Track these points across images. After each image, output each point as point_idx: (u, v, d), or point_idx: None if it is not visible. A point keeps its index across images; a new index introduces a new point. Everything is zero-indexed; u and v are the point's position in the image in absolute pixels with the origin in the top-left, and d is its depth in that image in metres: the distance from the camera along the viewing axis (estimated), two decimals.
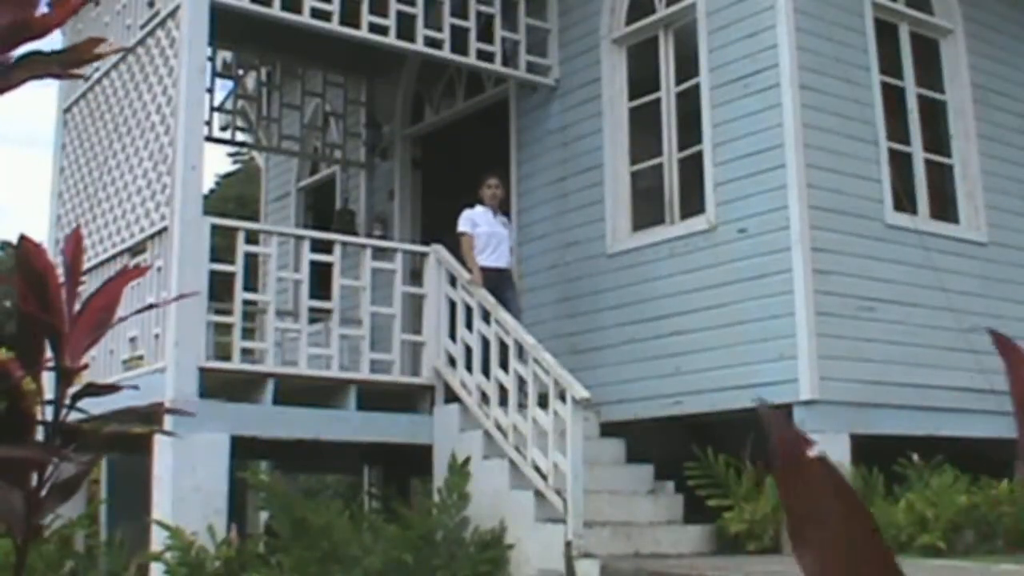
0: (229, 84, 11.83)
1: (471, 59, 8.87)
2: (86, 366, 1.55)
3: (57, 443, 1.48)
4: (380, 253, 8.24)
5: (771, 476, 6.94)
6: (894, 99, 8.16)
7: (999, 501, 6.78)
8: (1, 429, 1.44)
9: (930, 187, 8.30)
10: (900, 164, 8.07)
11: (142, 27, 8.13)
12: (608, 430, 7.99)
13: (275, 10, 7.87)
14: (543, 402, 6.89)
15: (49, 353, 1.51)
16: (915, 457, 7.10)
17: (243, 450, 7.18)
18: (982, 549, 6.61)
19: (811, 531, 0.80)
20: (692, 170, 8.09)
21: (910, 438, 7.24)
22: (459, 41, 8.74)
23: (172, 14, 7.62)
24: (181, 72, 7.36)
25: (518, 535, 6.72)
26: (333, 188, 12.05)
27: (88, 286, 1.87)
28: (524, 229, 9.16)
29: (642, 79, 8.64)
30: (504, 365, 7.30)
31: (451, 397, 7.74)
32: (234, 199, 25.93)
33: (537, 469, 6.81)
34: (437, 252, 8.07)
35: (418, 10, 8.50)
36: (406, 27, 8.48)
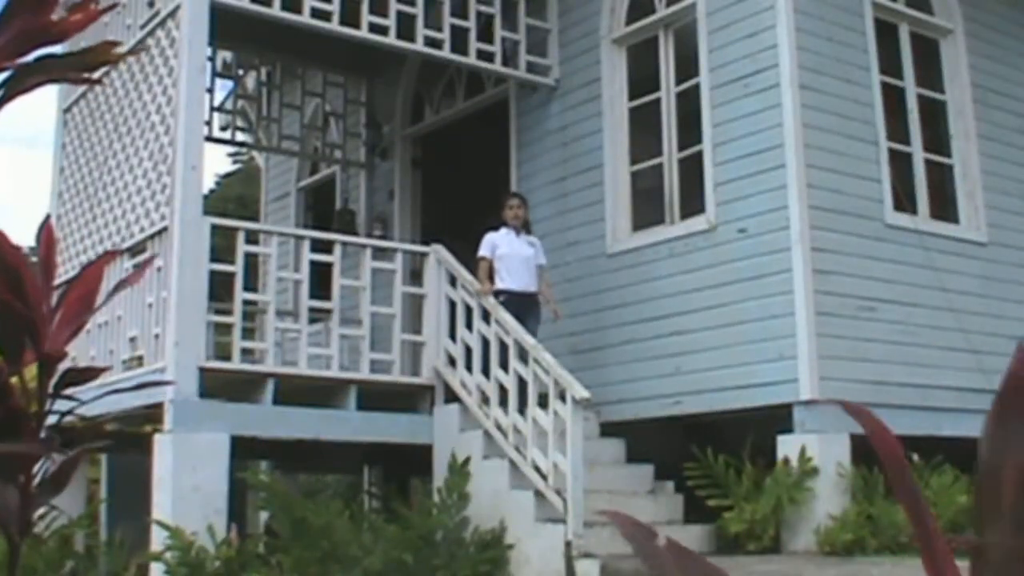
0: (229, 84, 11.85)
1: (471, 59, 8.87)
2: (65, 354, 1.55)
3: (44, 436, 1.48)
4: (380, 253, 8.24)
5: (770, 478, 6.96)
6: (894, 99, 8.16)
7: None
8: None
9: (930, 187, 8.30)
10: (900, 164, 8.06)
11: (142, 27, 8.13)
12: (608, 430, 7.99)
13: (275, 10, 7.86)
14: (543, 402, 6.89)
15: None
16: (915, 457, 7.10)
17: (243, 450, 7.18)
18: None
19: None
20: (692, 170, 8.09)
21: (910, 438, 7.23)
22: (459, 41, 8.74)
23: (172, 14, 7.62)
24: (181, 72, 7.36)
25: (518, 535, 6.72)
26: (333, 188, 12.05)
27: (98, 297, 1.87)
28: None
29: (642, 79, 8.64)
30: (504, 365, 7.30)
31: (451, 397, 7.74)
32: (234, 199, 25.94)
33: (537, 469, 6.81)
34: (437, 252, 8.06)
35: (418, 10, 8.50)
36: (406, 27, 8.48)
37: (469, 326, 7.70)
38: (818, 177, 7.42)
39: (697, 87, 8.08)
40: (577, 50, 9.11)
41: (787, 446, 7.07)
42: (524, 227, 8.21)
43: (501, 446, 7.14)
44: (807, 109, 7.45)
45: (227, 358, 7.57)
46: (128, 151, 8.10)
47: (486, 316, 7.56)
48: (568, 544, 6.32)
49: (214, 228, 7.32)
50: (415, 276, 8.52)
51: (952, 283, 7.94)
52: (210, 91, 10.34)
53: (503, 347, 7.33)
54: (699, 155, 8.00)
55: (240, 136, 12.33)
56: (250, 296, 7.79)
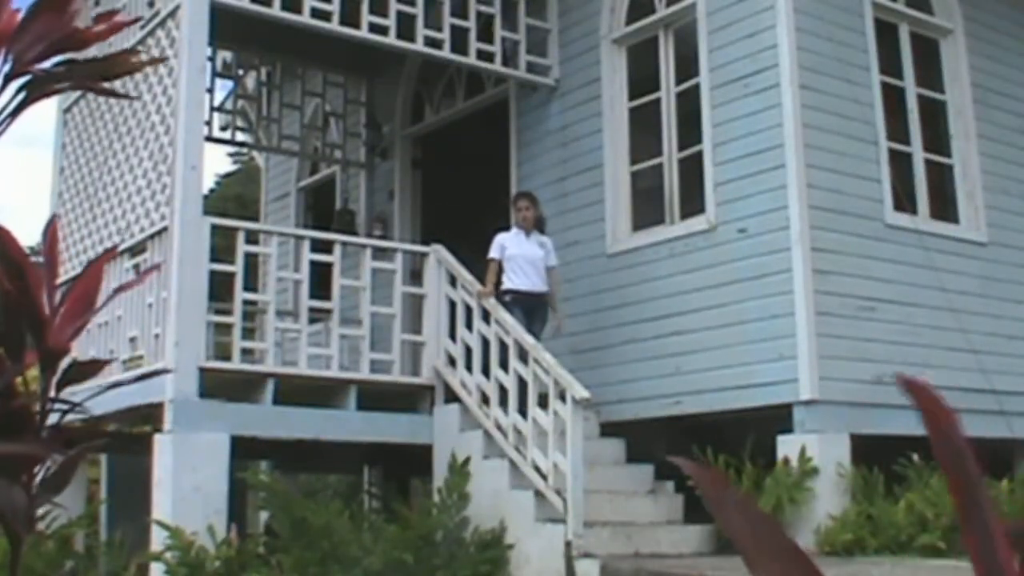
0: (229, 84, 11.85)
1: (471, 59, 8.87)
2: (69, 350, 1.55)
3: (46, 436, 1.48)
4: (380, 253, 8.24)
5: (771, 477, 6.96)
6: (894, 99, 8.16)
7: (999, 501, 6.78)
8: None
9: (930, 187, 8.30)
10: (900, 164, 8.06)
11: (142, 27, 8.13)
12: (608, 430, 7.99)
13: (275, 10, 7.86)
14: (543, 402, 6.89)
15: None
16: (915, 457, 7.10)
17: (243, 450, 7.18)
18: None
19: None
20: (692, 170, 8.09)
21: (910, 438, 7.23)
22: (459, 41, 8.74)
23: (172, 14, 7.61)
24: (181, 72, 7.36)
25: (518, 535, 6.72)
26: (333, 188, 12.05)
27: (100, 294, 1.88)
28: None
29: (642, 79, 8.64)
30: (504, 365, 7.30)
31: (451, 397, 7.74)
32: (234, 199, 25.95)
33: (537, 469, 6.81)
34: (437, 252, 8.06)
35: (418, 10, 8.50)
36: (406, 27, 8.48)
37: (469, 326, 7.70)
38: (818, 177, 7.42)
39: (697, 87, 8.08)
40: (577, 50, 9.11)
41: (787, 446, 7.07)
42: (537, 226, 8.16)
43: (501, 446, 7.14)
44: (807, 109, 7.45)
45: (227, 358, 7.56)
46: (128, 151, 8.10)
47: (486, 316, 7.56)
48: (568, 544, 6.32)
49: (214, 228, 7.32)
50: (415, 276, 8.52)
51: (952, 283, 7.94)
52: (210, 91, 10.34)
53: (503, 347, 7.33)
54: (699, 155, 8.00)
55: (240, 136, 12.33)
56: (250, 296, 7.78)
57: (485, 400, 7.43)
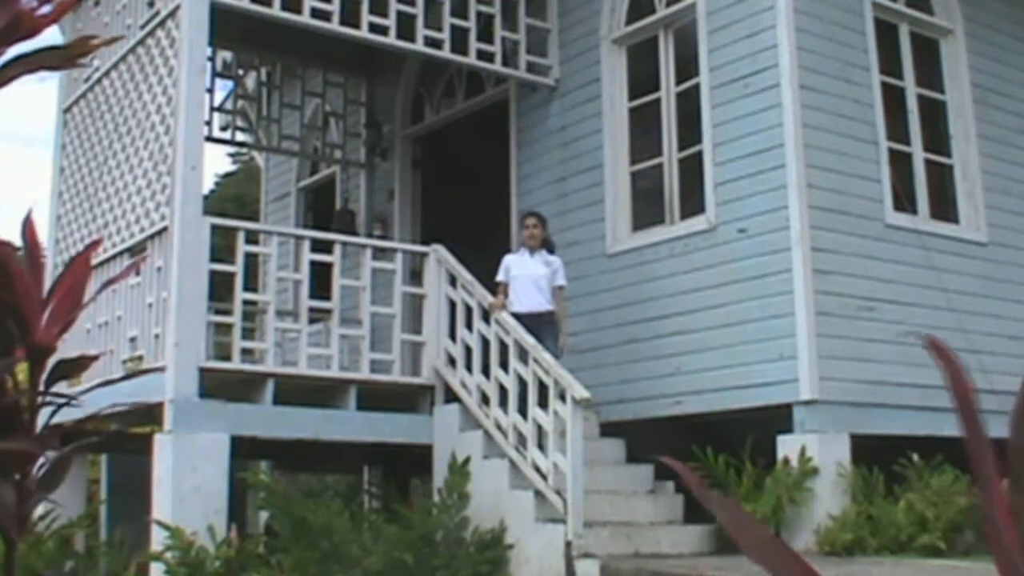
0: (229, 84, 11.84)
1: (471, 59, 8.87)
2: (56, 347, 1.54)
3: (40, 433, 1.48)
4: (380, 253, 8.24)
5: (771, 476, 6.96)
6: (894, 99, 8.16)
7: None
8: None
9: (930, 187, 8.29)
10: (900, 164, 8.06)
11: (142, 27, 8.13)
12: (608, 430, 7.99)
13: (275, 10, 7.86)
14: (543, 402, 6.89)
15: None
16: (915, 457, 7.10)
17: (243, 450, 7.18)
18: (982, 549, 6.61)
19: None
20: (692, 170, 8.08)
21: (910, 438, 7.24)
22: (459, 41, 8.73)
23: (172, 14, 7.61)
24: (181, 72, 7.36)
25: (518, 535, 6.72)
26: (333, 188, 12.05)
27: (89, 287, 1.87)
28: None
29: (642, 79, 8.64)
30: (504, 365, 7.30)
31: (451, 397, 7.74)
32: (233, 199, 25.95)
33: (537, 469, 6.81)
34: (437, 252, 8.06)
35: (418, 10, 8.50)
36: (406, 27, 8.48)
37: (469, 326, 7.70)
38: (818, 177, 7.42)
39: (697, 87, 8.08)
40: (577, 50, 9.11)
41: (787, 446, 7.07)
42: (544, 246, 7.97)
43: (501, 446, 7.14)
44: (807, 109, 7.45)
45: (227, 358, 7.57)
46: (128, 151, 8.10)
47: (486, 316, 7.56)
48: (568, 544, 6.32)
49: (214, 228, 7.31)
50: (415, 276, 8.52)
51: (952, 283, 7.94)
52: (210, 91, 10.34)
53: (503, 347, 7.33)
54: (699, 155, 8.00)
55: (240, 136, 12.33)
56: (250, 296, 7.78)
57: (485, 400, 7.43)
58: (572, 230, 8.77)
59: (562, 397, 6.69)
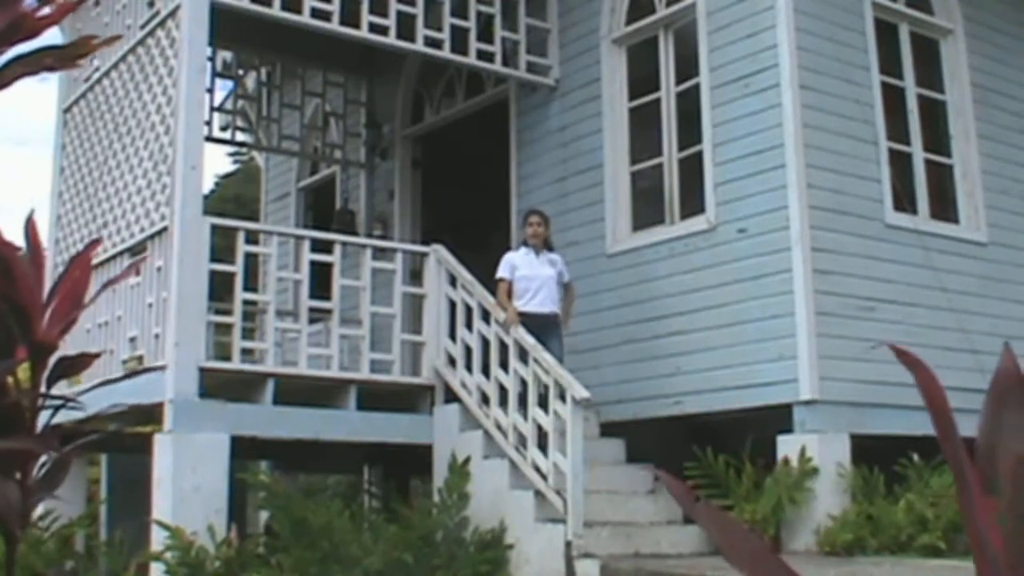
0: (229, 84, 11.84)
1: (471, 59, 8.87)
2: (58, 345, 1.54)
3: (42, 433, 1.48)
4: (380, 253, 8.24)
5: (771, 476, 6.96)
6: (894, 99, 8.16)
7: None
8: None
9: (930, 187, 8.29)
10: (900, 164, 8.06)
11: (142, 27, 8.13)
12: (608, 430, 7.99)
13: (275, 10, 7.86)
14: (543, 402, 6.89)
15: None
16: (915, 457, 7.10)
17: (243, 450, 7.18)
18: None
19: None
20: (692, 170, 8.08)
21: (910, 438, 7.23)
22: (459, 41, 8.73)
23: (172, 14, 7.61)
24: (181, 72, 7.36)
25: (518, 535, 6.72)
26: (333, 188, 12.05)
27: (89, 287, 1.87)
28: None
29: (642, 79, 8.64)
30: (504, 365, 7.29)
31: (451, 397, 7.74)
32: (232, 199, 25.97)
33: (537, 469, 6.81)
34: (437, 252, 8.06)
35: (418, 10, 8.50)
36: (406, 27, 8.48)
37: (469, 326, 7.70)
38: (818, 177, 7.42)
39: (697, 87, 8.08)
40: (577, 50, 9.11)
41: (787, 446, 7.07)
42: (545, 245, 7.93)
43: (501, 446, 7.14)
44: (807, 109, 7.45)
45: (227, 358, 7.57)
46: (128, 151, 8.10)
47: (486, 316, 7.56)
48: (568, 544, 6.32)
49: (214, 228, 7.31)
50: (415, 276, 8.52)
51: (952, 283, 7.94)
52: (210, 91, 10.34)
53: (503, 347, 7.33)
54: (699, 155, 8.00)
55: (240, 136, 12.33)
56: (250, 296, 7.78)
57: (485, 400, 7.43)
58: (572, 230, 8.77)
59: (562, 397, 6.69)
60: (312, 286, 7.66)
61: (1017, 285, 8.56)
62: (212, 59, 10.31)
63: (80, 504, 8.08)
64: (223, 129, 11.59)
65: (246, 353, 7.70)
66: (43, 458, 1.49)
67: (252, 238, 7.98)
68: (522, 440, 7.03)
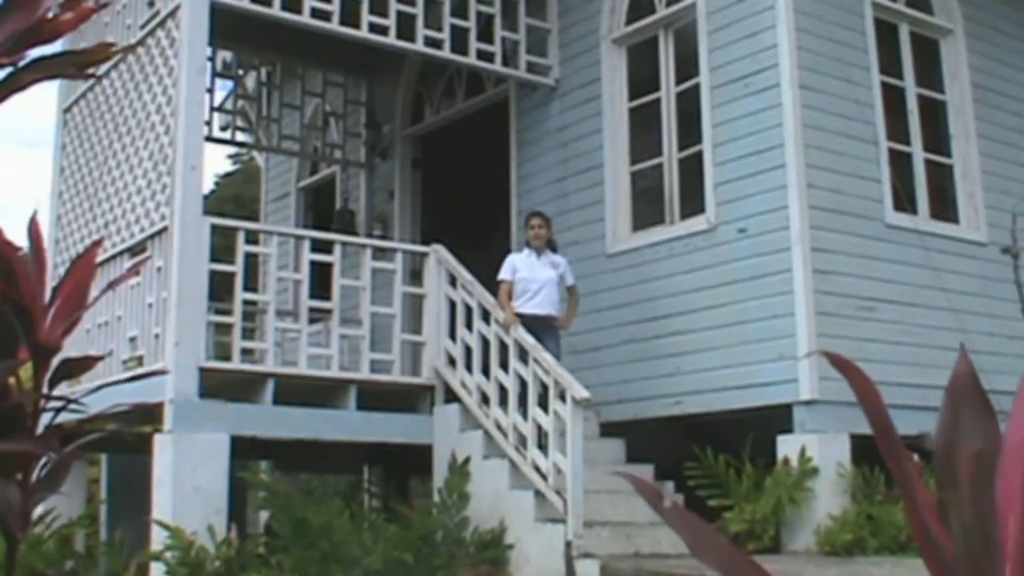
0: (229, 84, 11.84)
1: (471, 59, 8.87)
2: (60, 346, 1.54)
3: (43, 434, 1.48)
4: (380, 253, 8.24)
5: (771, 477, 6.96)
6: (894, 99, 8.16)
7: None
8: None
9: (930, 187, 8.30)
10: (900, 164, 8.06)
11: (142, 27, 8.13)
12: (608, 430, 7.99)
13: (275, 10, 7.87)
14: (543, 402, 6.89)
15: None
16: (915, 457, 7.09)
17: (243, 450, 7.18)
18: None
19: None
20: (692, 170, 8.08)
21: (910, 438, 7.23)
22: (459, 41, 8.73)
23: (172, 14, 7.61)
24: (181, 72, 7.36)
25: (518, 535, 6.72)
26: (333, 188, 12.05)
27: (91, 288, 1.87)
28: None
29: (642, 79, 8.64)
30: (504, 365, 7.29)
31: (451, 397, 7.73)
32: (231, 199, 25.96)
33: (537, 469, 6.81)
34: (437, 252, 8.06)
35: (418, 10, 8.50)
36: (406, 27, 8.48)
37: (469, 326, 7.70)
38: (818, 177, 7.42)
39: (697, 87, 8.08)
40: (577, 50, 9.11)
41: (787, 446, 7.07)
42: (548, 246, 7.94)
43: (501, 446, 7.14)
44: (807, 109, 7.46)
45: (227, 358, 7.57)
46: (128, 151, 8.10)
47: (486, 316, 7.56)
48: (568, 544, 6.32)
49: (214, 228, 7.31)
50: (415, 276, 8.52)
51: (952, 283, 7.94)
52: (210, 91, 10.34)
53: (503, 347, 7.33)
54: (699, 155, 8.00)
55: (240, 136, 12.33)
56: (250, 296, 7.78)
57: (485, 400, 7.43)
58: (572, 230, 8.77)
59: (562, 397, 6.69)
60: (312, 286, 7.66)
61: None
62: (212, 59, 10.31)
63: (80, 504, 8.08)
64: (223, 129, 11.58)
65: (246, 353, 7.70)
66: (43, 459, 1.49)
67: (252, 238, 7.98)
68: (522, 440, 7.03)
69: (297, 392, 7.39)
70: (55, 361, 1.53)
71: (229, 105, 11.70)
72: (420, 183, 11.32)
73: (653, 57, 8.58)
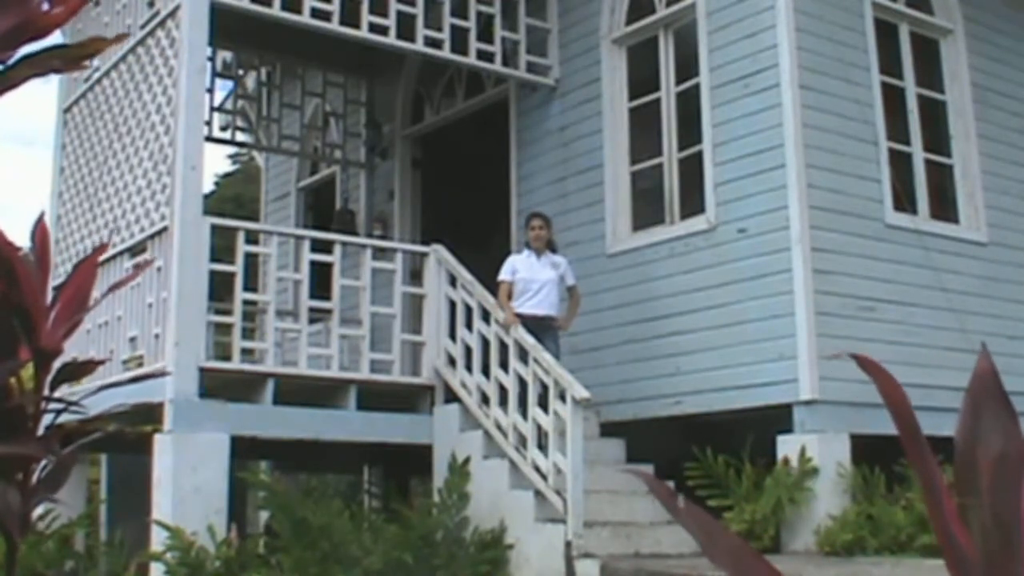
0: (229, 84, 11.84)
1: (471, 59, 8.87)
2: (62, 349, 1.54)
3: (43, 436, 1.48)
4: (380, 253, 8.24)
5: (771, 477, 6.96)
6: (894, 99, 8.16)
7: None
8: None
9: (930, 187, 8.29)
10: (900, 164, 8.06)
11: (142, 27, 8.13)
12: (608, 430, 7.99)
13: (275, 10, 7.87)
14: (543, 402, 6.89)
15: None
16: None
17: (243, 450, 7.18)
18: None
19: None
20: (692, 170, 8.08)
21: None
22: (459, 41, 8.73)
23: (172, 14, 7.61)
24: (181, 72, 7.36)
25: (518, 535, 6.72)
26: (333, 188, 12.05)
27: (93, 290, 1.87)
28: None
29: (642, 79, 8.64)
30: (504, 365, 7.29)
31: (451, 397, 7.74)
32: (231, 199, 25.95)
33: (537, 469, 6.81)
34: (437, 252, 8.06)
35: (418, 10, 8.50)
36: (406, 27, 8.48)
37: (469, 326, 7.70)
38: (818, 177, 7.42)
39: (697, 87, 8.08)
40: (577, 50, 9.11)
41: (787, 446, 7.07)
42: (548, 247, 7.94)
43: (501, 446, 7.14)
44: (807, 109, 7.45)
45: (227, 358, 7.57)
46: (128, 151, 8.10)
47: (486, 316, 7.56)
48: (568, 544, 6.32)
49: (214, 228, 7.32)
50: (415, 276, 8.52)
51: (952, 283, 7.94)
52: (210, 91, 10.33)
53: (503, 347, 7.33)
54: (699, 155, 8.00)
55: (240, 136, 12.33)
56: (250, 296, 7.78)
57: (485, 400, 7.43)
58: (572, 230, 8.77)
59: (562, 397, 6.69)
60: (312, 286, 7.66)
61: (1017, 285, 8.56)
62: (212, 59, 10.31)
63: (80, 504, 8.08)
64: (223, 129, 11.58)
65: (246, 353, 7.70)
66: (44, 460, 1.48)
67: (252, 238, 7.98)
68: (522, 440, 7.03)
69: (297, 392, 7.39)
70: (56, 363, 1.53)
71: (229, 105, 11.70)
72: (420, 183, 11.32)
73: (653, 57, 8.58)
